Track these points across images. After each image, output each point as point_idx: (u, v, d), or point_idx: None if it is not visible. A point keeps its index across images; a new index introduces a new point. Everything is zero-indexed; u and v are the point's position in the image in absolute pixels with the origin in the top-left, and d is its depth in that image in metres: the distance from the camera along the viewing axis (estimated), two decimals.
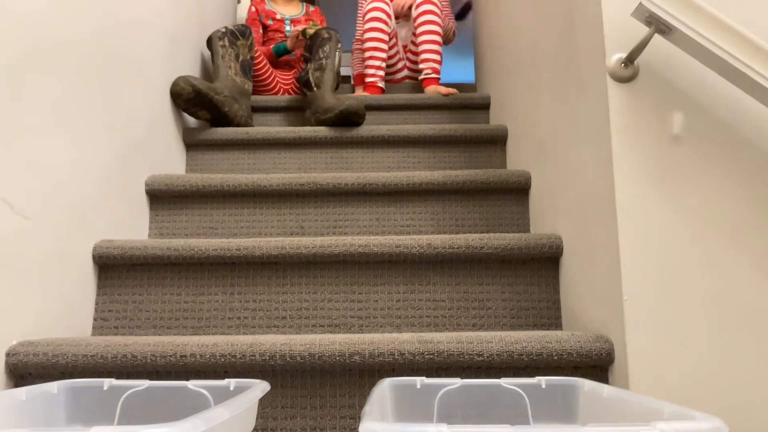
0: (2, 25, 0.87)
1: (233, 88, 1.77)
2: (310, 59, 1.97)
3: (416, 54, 2.27)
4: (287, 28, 2.37)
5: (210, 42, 1.83)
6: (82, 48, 1.10)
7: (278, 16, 2.37)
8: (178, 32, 1.67)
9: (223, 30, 1.85)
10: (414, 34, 2.27)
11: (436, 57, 2.18)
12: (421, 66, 2.19)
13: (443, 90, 2.06)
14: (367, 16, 2.22)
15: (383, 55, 2.20)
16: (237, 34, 1.88)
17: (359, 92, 2.37)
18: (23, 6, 0.92)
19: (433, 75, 2.16)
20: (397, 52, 2.36)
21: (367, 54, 2.20)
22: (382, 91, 2.19)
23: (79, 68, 1.09)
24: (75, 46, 1.08)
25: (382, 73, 2.20)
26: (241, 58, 1.86)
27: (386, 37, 2.21)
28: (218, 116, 1.71)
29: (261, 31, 2.34)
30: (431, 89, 2.11)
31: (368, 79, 2.20)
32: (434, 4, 2.21)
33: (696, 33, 0.77)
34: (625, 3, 0.87)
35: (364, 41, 2.22)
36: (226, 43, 1.83)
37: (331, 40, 1.97)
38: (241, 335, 0.95)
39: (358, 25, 2.49)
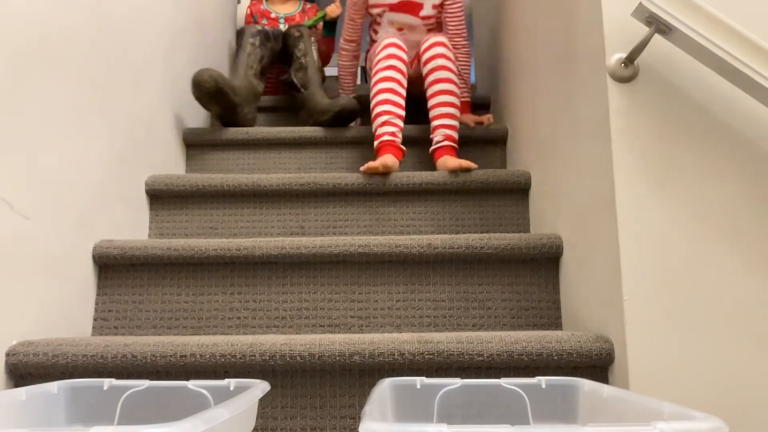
0: (3, 24, 0.87)
1: (248, 89, 1.77)
2: (289, 61, 1.96)
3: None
4: (281, 26, 2.37)
5: (241, 34, 1.82)
6: (83, 48, 1.10)
7: (273, 15, 2.37)
8: (178, 32, 1.67)
9: (259, 28, 1.84)
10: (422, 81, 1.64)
11: (452, 111, 1.54)
12: (432, 131, 1.55)
13: (459, 165, 1.41)
14: (383, 58, 1.59)
15: (400, 110, 1.54)
16: (270, 37, 1.88)
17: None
18: (23, 6, 0.92)
19: (446, 143, 1.51)
20: None
21: (379, 108, 1.53)
22: (403, 153, 1.52)
23: (80, 68, 1.09)
24: (75, 47, 1.07)
25: (401, 124, 1.54)
26: (264, 61, 1.86)
27: (403, 91, 1.57)
28: (227, 114, 1.70)
29: None
30: (446, 163, 1.43)
31: (383, 134, 1.51)
32: (443, 45, 1.59)
33: (696, 33, 0.77)
34: (625, 3, 0.87)
35: (374, 93, 1.57)
36: (257, 43, 1.83)
37: (303, 37, 1.97)
38: (241, 335, 0.95)
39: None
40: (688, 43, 0.79)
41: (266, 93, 2.19)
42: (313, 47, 1.96)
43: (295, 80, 1.88)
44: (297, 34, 1.97)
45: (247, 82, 1.77)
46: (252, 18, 2.35)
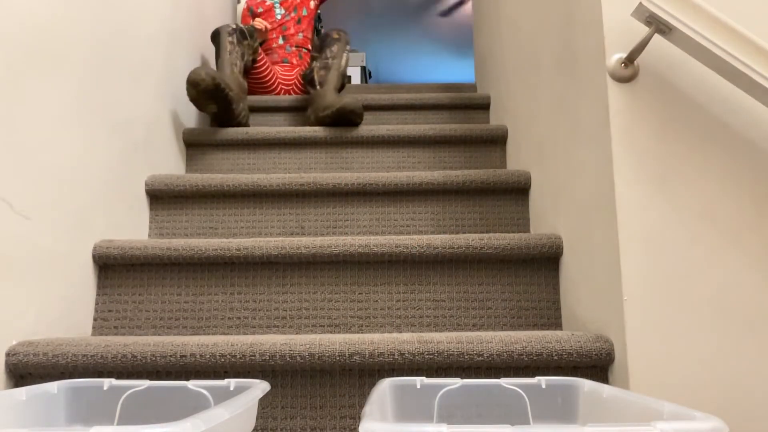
0: (3, 25, 0.87)
1: (238, 86, 1.77)
2: (317, 58, 1.98)
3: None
4: (277, 11, 2.36)
5: (217, 36, 1.83)
6: (83, 48, 1.10)
7: (267, 3, 2.37)
8: (177, 32, 1.67)
9: (234, 26, 1.85)
10: None
11: None
12: None
13: None
14: None
15: None
16: (245, 34, 1.89)
17: None
18: (24, 7, 0.92)
19: None
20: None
21: None
22: None
23: (80, 69, 1.09)
24: (75, 47, 1.08)
25: None
26: (245, 58, 1.87)
27: None
28: (224, 112, 1.70)
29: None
30: None
31: None
32: None
33: (696, 33, 0.77)
34: (625, 3, 0.87)
35: None
36: (234, 41, 1.83)
37: (340, 41, 1.98)
38: (241, 335, 0.95)
39: None
40: (688, 43, 0.79)
41: (267, 92, 2.19)
42: (345, 53, 1.97)
43: (315, 76, 1.89)
44: (336, 36, 2.00)
45: (235, 78, 1.77)
46: (248, 10, 2.36)
